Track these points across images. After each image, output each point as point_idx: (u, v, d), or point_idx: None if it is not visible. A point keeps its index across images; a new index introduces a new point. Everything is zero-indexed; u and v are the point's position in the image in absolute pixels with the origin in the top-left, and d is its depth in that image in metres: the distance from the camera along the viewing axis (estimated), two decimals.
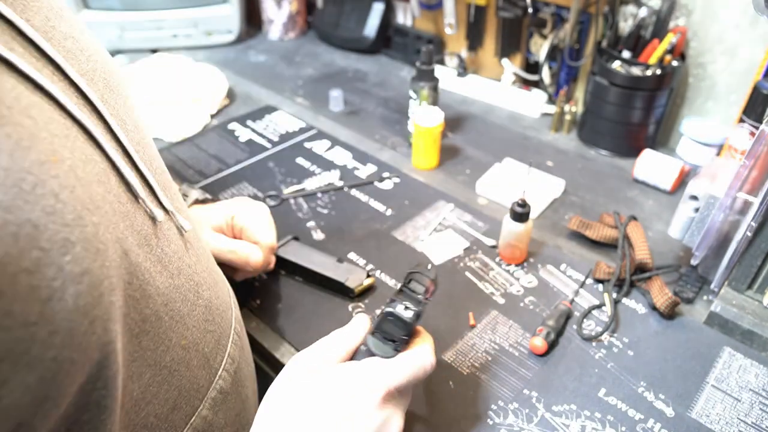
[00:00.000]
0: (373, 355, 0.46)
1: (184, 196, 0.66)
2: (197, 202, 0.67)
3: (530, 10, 1.06)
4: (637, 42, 0.95)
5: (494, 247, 0.79)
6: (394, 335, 0.46)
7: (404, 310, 0.45)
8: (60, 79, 0.33)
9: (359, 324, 0.49)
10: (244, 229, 0.65)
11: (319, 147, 1.00)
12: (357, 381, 0.44)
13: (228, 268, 0.63)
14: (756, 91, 0.81)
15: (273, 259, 0.69)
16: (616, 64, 0.93)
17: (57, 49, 0.33)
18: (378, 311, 0.50)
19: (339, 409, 0.42)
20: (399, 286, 0.49)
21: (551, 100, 1.12)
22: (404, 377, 0.44)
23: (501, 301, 0.71)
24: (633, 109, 0.94)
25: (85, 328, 0.27)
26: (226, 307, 0.49)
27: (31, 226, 0.24)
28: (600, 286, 0.73)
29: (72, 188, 0.28)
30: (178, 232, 0.42)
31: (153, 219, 0.37)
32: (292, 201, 0.87)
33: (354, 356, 0.47)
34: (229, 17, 1.33)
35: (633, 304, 0.71)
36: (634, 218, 0.79)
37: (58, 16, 0.35)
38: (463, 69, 1.19)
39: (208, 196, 0.68)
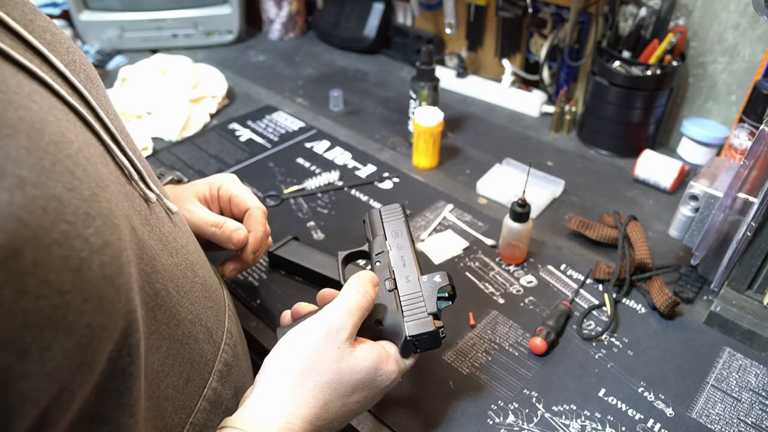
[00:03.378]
0: (383, 336, 0.51)
1: (161, 176, 0.65)
2: (174, 182, 0.66)
3: (530, 10, 1.06)
4: (637, 42, 0.95)
5: (494, 247, 0.79)
6: (422, 347, 0.50)
7: (442, 333, 0.50)
8: (48, 69, 0.34)
9: (370, 289, 0.50)
10: (234, 197, 0.62)
11: (319, 147, 1.00)
12: (381, 378, 0.48)
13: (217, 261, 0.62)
14: (756, 91, 0.81)
15: (268, 237, 0.65)
16: (616, 64, 0.93)
17: (39, 41, 0.34)
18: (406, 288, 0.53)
19: (361, 388, 0.47)
20: (425, 278, 0.52)
21: (551, 100, 1.12)
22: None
23: (501, 301, 0.71)
24: (633, 109, 0.94)
25: (112, 296, 0.29)
26: (218, 286, 0.51)
27: (56, 201, 0.26)
28: (600, 286, 0.73)
29: (84, 167, 0.29)
30: (167, 214, 0.43)
31: (147, 201, 0.39)
32: (292, 201, 0.87)
33: (384, 322, 0.51)
34: (229, 17, 1.33)
35: (633, 304, 0.71)
36: (634, 218, 0.79)
37: (33, 11, 0.37)
38: (463, 69, 1.19)
39: (185, 178, 0.67)
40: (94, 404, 0.30)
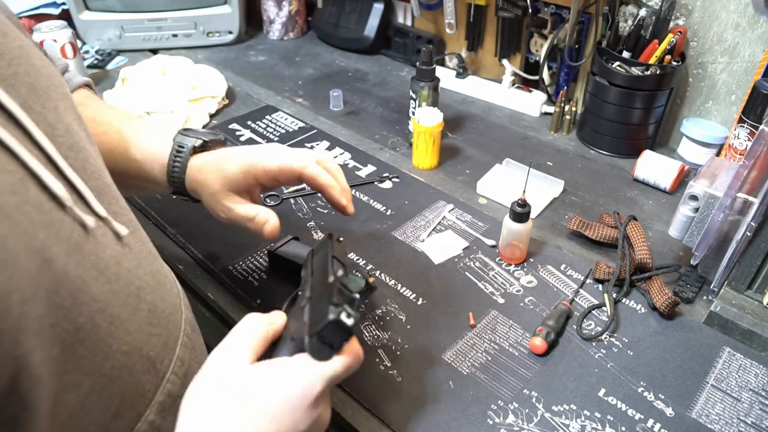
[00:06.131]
0: (301, 351, 0.45)
1: (180, 148, 0.60)
2: (218, 143, 0.62)
3: (530, 10, 1.06)
4: (637, 42, 0.95)
5: (494, 246, 0.79)
6: (334, 341, 0.44)
7: (347, 318, 0.43)
8: None
9: (276, 317, 0.49)
10: (278, 173, 0.58)
11: (319, 147, 1.00)
12: (293, 382, 0.43)
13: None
14: (756, 91, 0.81)
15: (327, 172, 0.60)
16: (616, 64, 0.93)
17: None
18: (302, 301, 0.50)
19: (278, 409, 0.42)
20: (331, 278, 0.47)
21: (551, 100, 1.12)
22: (341, 375, 0.45)
23: (501, 301, 0.71)
24: (633, 109, 0.94)
25: None
26: (174, 309, 0.48)
27: None
28: (600, 286, 0.73)
29: None
30: (115, 237, 0.40)
31: (83, 226, 0.36)
32: (292, 201, 0.87)
33: (276, 350, 0.47)
34: (229, 17, 1.33)
35: (633, 304, 0.71)
36: (634, 218, 0.79)
37: None
38: (463, 69, 1.19)
39: (206, 139, 0.61)
40: None
